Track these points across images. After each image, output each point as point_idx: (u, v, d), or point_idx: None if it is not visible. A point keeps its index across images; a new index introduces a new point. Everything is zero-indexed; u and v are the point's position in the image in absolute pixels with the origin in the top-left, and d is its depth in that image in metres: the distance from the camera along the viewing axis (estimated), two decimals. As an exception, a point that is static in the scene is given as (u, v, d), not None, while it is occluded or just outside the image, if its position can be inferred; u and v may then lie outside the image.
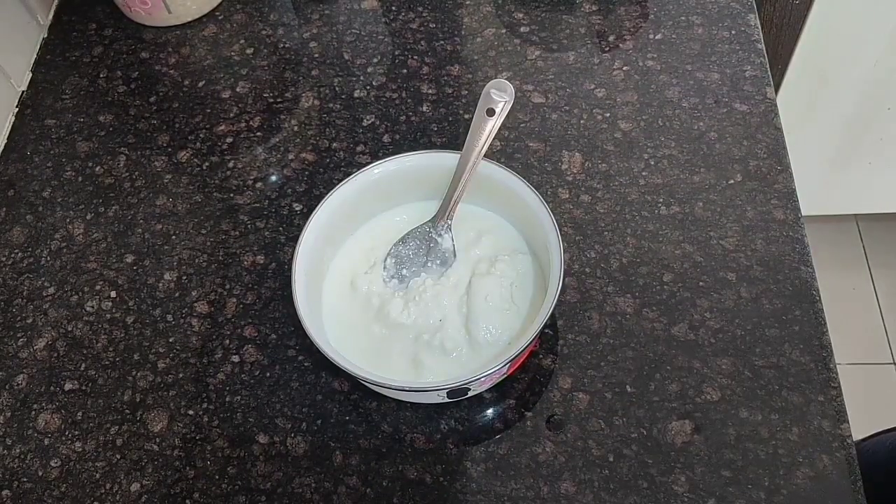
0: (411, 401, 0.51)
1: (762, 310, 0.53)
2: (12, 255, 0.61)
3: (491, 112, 0.50)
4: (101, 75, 0.70)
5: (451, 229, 0.53)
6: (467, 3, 0.71)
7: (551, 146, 0.61)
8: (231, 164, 0.64)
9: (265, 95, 0.68)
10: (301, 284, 0.48)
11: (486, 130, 0.50)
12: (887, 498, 0.50)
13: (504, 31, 0.69)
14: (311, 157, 0.63)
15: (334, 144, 0.64)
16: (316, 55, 0.70)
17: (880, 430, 0.69)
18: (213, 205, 0.62)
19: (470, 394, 0.50)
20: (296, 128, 0.65)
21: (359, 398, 0.52)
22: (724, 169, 0.59)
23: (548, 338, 0.53)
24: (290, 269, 0.49)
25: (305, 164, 0.63)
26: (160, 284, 0.58)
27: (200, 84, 0.69)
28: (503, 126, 0.63)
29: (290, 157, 0.64)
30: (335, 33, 0.71)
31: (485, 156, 0.51)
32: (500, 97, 0.50)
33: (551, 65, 0.66)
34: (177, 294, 0.58)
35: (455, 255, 0.53)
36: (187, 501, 0.49)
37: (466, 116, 0.64)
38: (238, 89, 0.68)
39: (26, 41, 0.72)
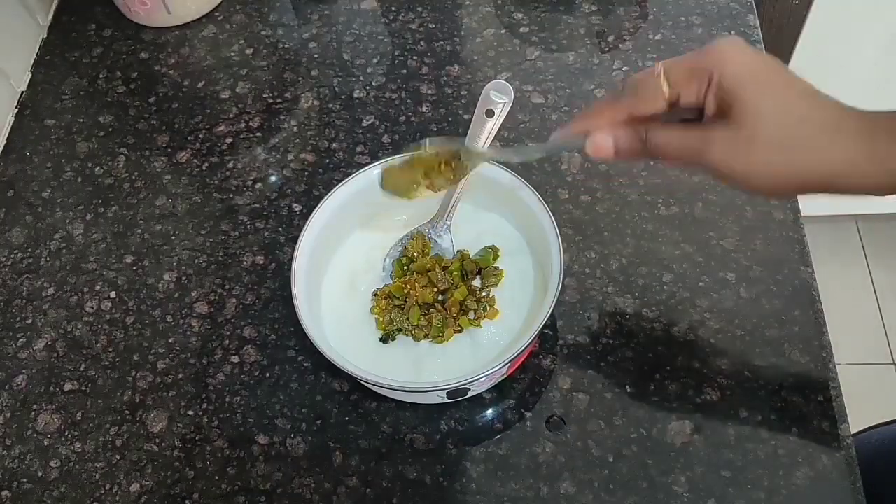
0: (411, 401, 0.51)
1: (762, 310, 0.53)
2: (12, 256, 0.61)
3: (490, 113, 0.50)
4: (101, 76, 0.70)
5: (450, 230, 0.53)
6: (467, 3, 0.71)
7: (551, 146, 0.61)
8: (231, 165, 0.64)
9: (265, 96, 0.68)
10: (301, 285, 0.48)
11: (486, 131, 0.50)
12: (874, 494, 0.50)
13: (504, 31, 0.69)
14: (311, 157, 0.63)
15: (334, 145, 0.64)
16: (315, 55, 0.70)
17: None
18: (212, 205, 0.62)
19: (470, 394, 0.50)
20: (295, 128, 0.65)
21: (358, 398, 0.52)
22: (723, 169, 0.59)
23: (547, 338, 0.53)
24: (289, 270, 0.49)
25: (305, 165, 0.63)
26: (160, 285, 0.58)
27: (200, 84, 0.69)
28: (503, 126, 0.63)
29: (290, 157, 0.64)
30: (335, 34, 0.71)
31: (484, 156, 0.51)
32: (499, 98, 0.50)
33: (551, 65, 0.66)
34: (176, 294, 0.58)
35: (454, 255, 0.53)
36: (187, 502, 0.49)
37: (466, 117, 0.64)
38: (238, 90, 0.68)
39: (26, 42, 0.72)
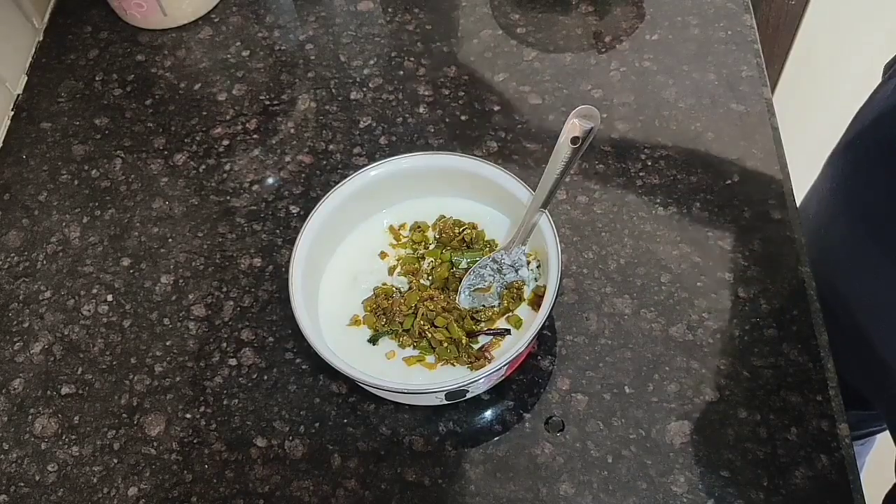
0: (409, 403, 0.51)
1: (760, 310, 0.53)
2: (8, 259, 0.60)
3: (576, 140, 0.46)
4: (97, 78, 0.70)
5: (525, 253, 0.51)
6: (464, 4, 0.71)
7: (548, 147, 0.61)
8: (227, 167, 0.64)
9: (261, 98, 0.67)
10: (298, 287, 0.48)
11: (566, 160, 0.47)
12: None
13: (500, 32, 0.69)
14: (308, 159, 0.63)
15: (331, 146, 0.64)
16: (312, 57, 0.70)
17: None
18: (209, 208, 0.62)
19: (468, 395, 0.50)
20: (292, 130, 0.65)
21: (357, 401, 0.52)
22: (720, 169, 0.59)
23: (546, 339, 0.53)
24: (287, 272, 0.49)
25: (302, 167, 0.63)
26: (157, 288, 0.58)
27: (196, 87, 0.69)
28: (500, 127, 0.63)
29: (287, 159, 0.64)
30: (331, 35, 0.71)
31: (482, 157, 0.51)
32: (585, 125, 0.45)
33: (548, 66, 0.66)
34: (173, 297, 0.57)
35: (532, 284, 0.52)
36: (185, 505, 0.49)
37: (463, 118, 0.64)
38: (234, 92, 0.68)
39: (22, 44, 0.72)
